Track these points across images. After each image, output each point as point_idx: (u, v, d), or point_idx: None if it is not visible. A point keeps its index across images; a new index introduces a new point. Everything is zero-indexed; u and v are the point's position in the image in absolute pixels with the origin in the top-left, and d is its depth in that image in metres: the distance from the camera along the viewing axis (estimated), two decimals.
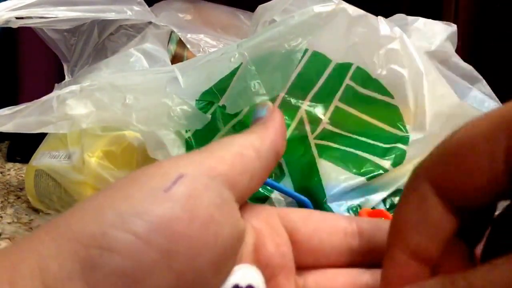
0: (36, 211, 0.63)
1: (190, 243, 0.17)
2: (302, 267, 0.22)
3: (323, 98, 0.55)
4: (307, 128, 0.54)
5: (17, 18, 0.56)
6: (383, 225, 0.23)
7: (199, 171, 0.19)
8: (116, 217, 0.17)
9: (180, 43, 0.71)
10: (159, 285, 0.16)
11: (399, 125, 0.56)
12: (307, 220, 0.23)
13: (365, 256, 0.23)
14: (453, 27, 0.68)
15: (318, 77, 0.54)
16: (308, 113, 0.54)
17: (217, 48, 0.68)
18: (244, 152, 0.21)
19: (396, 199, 0.54)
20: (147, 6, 0.66)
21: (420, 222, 0.19)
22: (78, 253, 0.16)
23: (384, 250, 0.20)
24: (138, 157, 0.54)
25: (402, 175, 0.54)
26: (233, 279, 0.19)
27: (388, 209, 0.53)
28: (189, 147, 0.52)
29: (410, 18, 0.67)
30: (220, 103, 0.52)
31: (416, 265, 0.19)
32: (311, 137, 0.54)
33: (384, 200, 0.53)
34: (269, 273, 0.21)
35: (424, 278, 0.19)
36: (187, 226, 0.17)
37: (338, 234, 0.23)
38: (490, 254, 0.19)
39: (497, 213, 0.20)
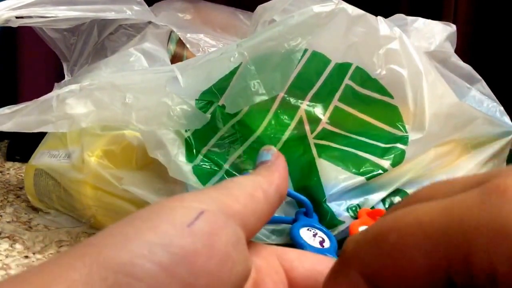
0: (36, 210, 0.63)
1: (208, 278, 0.18)
2: None
3: (323, 98, 0.55)
4: (307, 128, 0.54)
5: (17, 17, 0.56)
6: None
7: (217, 208, 0.20)
8: (144, 247, 0.17)
9: (180, 43, 0.71)
10: None
11: (398, 125, 0.56)
12: (303, 260, 0.24)
13: None
14: (453, 28, 0.68)
15: (317, 77, 0.54)
16: (308, 113, 0.54)
17: (216, 47, 0.68)
18: (255, 193, 0.22)
19: (395, 199, 0.54)
20: (146, 6, 0.66)
21: None
22: (107, 279, 0.17)
23: None
24: (137, 157, 0.54)
25: (401, 175, 0.54)
26: None
27: (387, 209, 0.53)
28: (188, 146, 0.52)
29: (409, 18, 0.67)
30: (220, 103, 0.52)
31: None
32: (310, 137, 0.54)
33: (383, 200, 0.54)
34: None
35: None
36: (206, 261, 0.18)
37: None
38: None
39: None
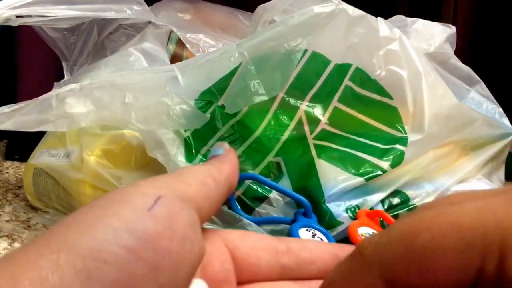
0: (35, 209, 0.63)
1: (171, 258, 0.19)
2: (242, 282, 0.25)
3: (322, 98, 0.55)
4: (306, 128, 0.54)
5: (17, 16, 0.56)
6: (309, 244, 0.26)
7: (173, 194, 0.21)
8: (109, 232, 0.18)
9: (179, 43, 0.71)
10: None
11: (397, 126, 0.56)
12: (244, 239, 0.26)
13: (293, 271, 0.26)
14: (452, 29, 0.68)
15: (317, 77, 0.54)
16: (307, 113, 0.55)
17: (216, 48, 0.68)
18: (206, 180, 0.24)
19: (394, 200, 0.54)
20: (146, 6, 0.66)
21: None
22: (76, 265, 0.17)
23: (310, 265, 0.24)
24: (137, 156, 0.54)
25: (400, 176, 0.54)
26: None
27: (386, 210, 0.53)
28: (187, 146, 0.52)
29: (409, 19, 0.67)
30: (219, 103, 0.52)
31: None
32: (309, 138, 0.54)
33: (382, 201, 0.54)
34: (215, 287, 0.23)
35: None
36: (169, 242, 0.19)
37: (272, 252, 0.26)
38: None
39: None
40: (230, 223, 0.48)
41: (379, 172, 0.53)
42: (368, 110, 0.56)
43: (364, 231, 0.47)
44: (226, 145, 0.28)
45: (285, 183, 0.53)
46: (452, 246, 0.16)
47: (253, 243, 0.26)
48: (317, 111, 0.55)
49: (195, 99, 0.52)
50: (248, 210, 0.51)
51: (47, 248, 0.18)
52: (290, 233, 0.47)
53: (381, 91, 0.55)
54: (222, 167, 0.25)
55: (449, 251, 0.16)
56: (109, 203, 0.20)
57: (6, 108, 0.51)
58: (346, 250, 0.26)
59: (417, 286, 0.17)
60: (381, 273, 0.17)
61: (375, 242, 0.18)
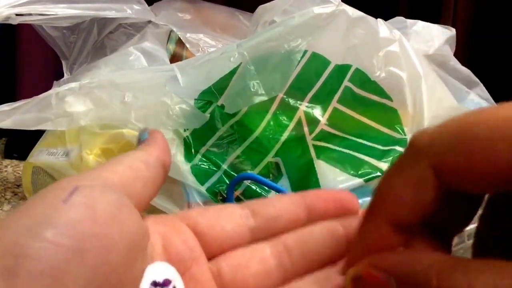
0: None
1: (97, 240, 0.19)
2: (212, 255, 0.25)
3: (322, 99, 0.55)
4: (305, 129, 0.54)
5: (17, 15, 0.56)
6: (271, 201, 0.27)
7: (94, 182, 0.22)
8: (24, 229, 0.19)
9: (179, 43, 0.71)
10: (77, 279, 0.18)
11: (397, 127, 0.56)
12: (205, 213, 0.26)
13: (263, 230, 0.26)
14: (452, 31, 0.68)
15: (317, 78, 0.54)
16: (307, 114, 0.55)
17: (216, 48, 0.68)
18: (133, 165, 0.24)
19: None
20: (146, 5, 0.66)
21: (414, 203, 0.19)
22: None
23: (278, 220, 0.24)
24: None
25: None
26: (148, 276, 0.21)
27: None
28: (187, 146, 0.52)
29: (409, 21, 0.67)
30: (219, 103, 0.52)
31: (395, 236, 0.20)
32: (309, 138, 0.54)
33: None
34: (182, 268, 0.23)
35: (398, 249, 0.20)
36: (91, 226, 0.19)
37: (235, 218, 0.26)
38: (485, 249, 0.19)
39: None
40: None
41: (378, 174, 0.53)
42: (368, 111, 0.56)
43: None
44: (148, 129, 0.28)
45: (284, 184, 0.53)
46: (505, 140, 0.16)
47: (214, 215, 0.26)
48: (317, 111, 0.55)
49: (195, 99, 0.52)
50: None
51: None
52: None
53: (381, 92, 0.55)
54: (150, 149, 0.26)
55: (501, 144, 0.16)
56: (27, 202, 0.20)
57: (5, 106, 0.51)
58: (309, 196, 0.26)
59: (465, 177, 0.17)
60: (432, 162, 0.18)
61: (430, 133, 0.18)
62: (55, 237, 0.18)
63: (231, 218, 0.26)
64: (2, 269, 0.17)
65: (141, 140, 0.27)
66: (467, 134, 0.17)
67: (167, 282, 0.22)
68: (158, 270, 0.22)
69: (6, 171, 0.81)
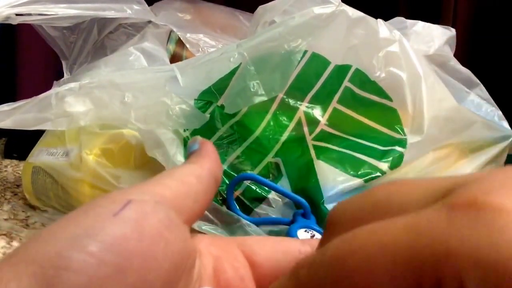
0: (33, 208, 0.63)
1: (141, 259, 0.19)
2: (263, 282, 0.24)
3: (322, 99, 0.55)
4: (305, 129, 0.54)
5: (17, 15, 0.56)
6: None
7: (146, 197, 0.21)
8: (70, 240, 0.18)
9: (179, 43, 0.71)
10: None
11: (397, 127, 0.56)
12: (263, 243, 0.25)
13: None
14: (452, 31, 0.68)
15: (317, 78, 0.54)
16: (307, 114, 0.55)
17: (216, 48, 0.68)
18: (185, 179, 0.23)
19: None
20: (146, 5, 0.66)
21: None
22: (35, 274, 0.17)
23: None
24: (135, 156, 0.54)
25: (399, 177, 0.54)
26: None
27: None
28: (187, 146, 0.52)
29: (409, 21, 0.67)
30: (219, 103, 0.52)
31: None
32: (309, 138, 0.54)
33: None
34: None
35: None
36: (137, 244, 0.19)
37: (293, 253, 0.25)
38: None
39: None
40: (229, 223, 0.48)
41: (378, 174, 0.53)
42: (368, 112, 0.56)
43: None
44: (199, 138, 0.28)
45: (284, 184, 0.53)
46: (384, 271, 0.14)
47: (272, 246, 0.25)
48: (317, 112, 0.55)
49: (195, 99, 0.52)
50: (247, 210, 0.51)
51: (6, 262, 0.18)
52: (289, 234, 0.47)
53: (381, 92, 0.55)
54: (202, 161, 0.25)
55: (381, 275, 0.14)
56: (77, 213, 0.20)
57: (5, 106, 0.51)
58: None
59: None
60: None
61: (309, 263, 0.17)
62: (100, 252, 0.18)
63: (289, 251, 0.25)
64: (42, 280, 0.17)
65: (191, 150, 0.27)
66: (345, 267, 0.15)
67: None
68: None
69: (6, 171, 0.81)
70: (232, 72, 0.51)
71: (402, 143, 0.55)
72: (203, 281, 0.22)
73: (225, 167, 0.52)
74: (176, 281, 0.20)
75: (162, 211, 0.21)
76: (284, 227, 0.50)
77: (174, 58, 0.69)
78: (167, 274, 0.19)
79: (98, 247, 0.18)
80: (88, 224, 0.19)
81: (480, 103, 0.66)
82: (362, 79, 0.55)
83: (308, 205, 0.50)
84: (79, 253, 0.18)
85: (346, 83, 0.55)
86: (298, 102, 0.54)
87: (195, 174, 0.24)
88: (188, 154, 0.27)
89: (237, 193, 0.52)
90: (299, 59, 0.53)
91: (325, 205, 0.51)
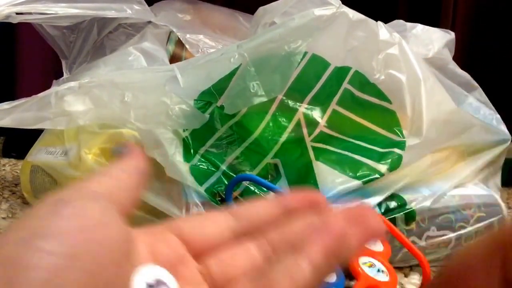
0: (31, 206, 0.62)
1: (87, 245, 0.21)
2: (199, 257, 0.26)
3: (321, 101, 0.55)
4: (304, 130, 0.54)
5: (17, 13, 0.56)
6: (250, 205, 0.29)
7: (82, 194, 0.23)
8: (23, 242, 0.20)
9: (179, 44, 0.71)
10: (74, 282, 0.19)
11: (396, 130, 0.56)
12: (188, 220, 0.28)
13: (244, 230, 0.27)
14: (451, 35, 0.68)
15: (316, 80, 0.55)
16: (306, 115, 0.55)
17: (215, 48, 0.68)
18: (114, 175, 0.26)
19: (391, 204, 0.54)
20: (147, 6, 0.66)
21: None
22: None
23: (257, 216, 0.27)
24: None
25: (398, 179, 0.54)
26: (140, 278, 0.22)
27: (383, 213, 0.53)
28: (186, 146, 0.52)
29: (408, 24, 0.67)
30: (219, 103, 0.52)
31: None
32: (308, 140, 0.54)
33: (379, 204, 0.54)
34: (171, 270, 0.25)
35: None
36: (80, 233, 0.21)
37: (219, 220, 0.28)
38: None
39: None
40: None
41: (377, 176, 0.53)
42: (367, 114, 0.56)
43: (365, 260, 0.46)
44: (122, 144, 0.31)
45: (282, 185, 0.53)
46: (479, 256, 0.21)
47: (198, 221, 0.28)
48: (316, 113, 0.55)
49: (195, 99, 0.52)
50: None
51: None
52: None
53: (380, 94, 0.56)
54: (128, 158, 0.28)
55: (477, 260, 0.21)
56: (23, 216, 0.22)
57: (5, 105, 0.51)
58: (285, 198, 0.28)
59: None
60: None
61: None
62: (52, 247, 0.20)
63: (214, 222, 0.27)
64: (4, 279, 0.19)
65: (118, 154, 0.29)
66: (452, 274, 0.23)
67: (160, 283, 0.23)
68: (148, 272, 0.23)
69: (4, 170, 0.80)
70: (232, 73, 0.52)
71: (401, 145, 0.55)
72: (143, 262, 0.24)
73: (224, 167, 0.52)
74: (123, 262, 0.22)
75: (97, 202, 0.23)
76: None
77: (174, 59, 0.69)
78: (113, 255, 0.21)
79: (46, 242, 0.20)
80: (33, 225, 0.21)
81: (478, 106, 0.66)
82: (361, 81, 0.55)
83: None
84: (34, 252, 0.19)
85: (345, 85, 0.55)
86: (298, 103, 0.54)
87: (122, 169, 0.27)
88: (115, 155, 0.29)
89: (236, 193, 0.52)
90: (299, 60, 0.53)
91: None
